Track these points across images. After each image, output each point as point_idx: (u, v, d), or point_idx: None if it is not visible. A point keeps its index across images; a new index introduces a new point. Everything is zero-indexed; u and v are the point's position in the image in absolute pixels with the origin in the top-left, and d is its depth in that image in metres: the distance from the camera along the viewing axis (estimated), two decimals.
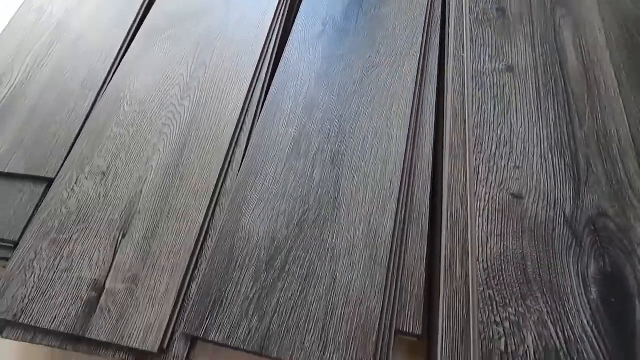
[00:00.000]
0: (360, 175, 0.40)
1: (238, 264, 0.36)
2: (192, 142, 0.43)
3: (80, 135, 0.44)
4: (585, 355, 0.32)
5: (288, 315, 0.33)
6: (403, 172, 0.40)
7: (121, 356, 0.33)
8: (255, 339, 0.32)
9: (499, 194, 0.38)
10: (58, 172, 0.41)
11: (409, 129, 0.43)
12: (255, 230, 0.37)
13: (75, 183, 0.40)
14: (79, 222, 0.38)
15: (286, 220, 0.38)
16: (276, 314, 0.33)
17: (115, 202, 0.39)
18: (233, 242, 0.37)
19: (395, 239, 0.37)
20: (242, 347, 0.32)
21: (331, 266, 0.36)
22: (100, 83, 0.47)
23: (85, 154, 0.42)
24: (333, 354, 0.32)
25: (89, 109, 0.46)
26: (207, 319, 0.33)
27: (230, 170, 0.42)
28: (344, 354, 0.31)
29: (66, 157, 0.42)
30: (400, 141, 0.42)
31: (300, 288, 0.34)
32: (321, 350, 0.32)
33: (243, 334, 0.33)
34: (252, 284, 0.35)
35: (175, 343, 0.34)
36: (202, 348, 0.36)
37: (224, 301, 0.34)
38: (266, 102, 0.45)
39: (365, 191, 0.39)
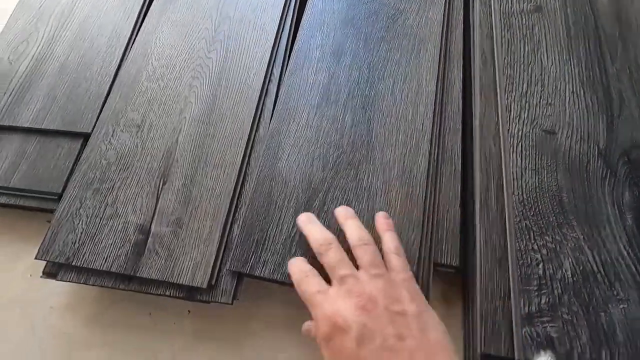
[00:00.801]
0: (392, 119, 0.41)
1: (277, 206, 0.37)
2: (223, 93, 0.43)
3: (112, 90, 0.44)
4: (622, 276, 0.33)
5: None
6: (434, 114, 0.41)
7: (172, 293, 0.35)
8: None
9: (532, 130, 0.39)
10: (94, 127, 0.42)
11: (437, 72, 0.43)
12: (291, 175, 0.38)
13: (112, 136, 0.41)
14: (119, 171, 0.39)
15: (321, 164, 0.39)
16: None
17: (152, 152, 0.40)
18: (271, 186, 0.38)
19: (430, 178, 0.38)
20: (287, 280, 0.33)
21: (369, 204, 0.37)
22: (126, 40, 0.47)
23: (119, 108, 0.43)
24: None
25: (117, 65, 0.46)
26: (251, 257, 0.35)
27: (262, 119, 0.42)
28: None
29: (100, 112, 0.43)
30: (429, 84, 0.42)
31: (339, 226, 0.35)
32: None
33: (287, 269, 0.33)
34: (292, 223, 0.36)
35: (222, 279, 0.35)
36: (247, 284, 0.37)
37: (267, 240, 0.35)
38: (293, 52, 0.45)
39: (398, 133, 0.40)
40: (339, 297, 0.28)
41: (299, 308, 0.39)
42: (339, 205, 0.35)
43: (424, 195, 0.37)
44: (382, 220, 0.34)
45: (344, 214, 0.34)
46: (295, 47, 0.46)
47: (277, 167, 0.39)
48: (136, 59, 0.46)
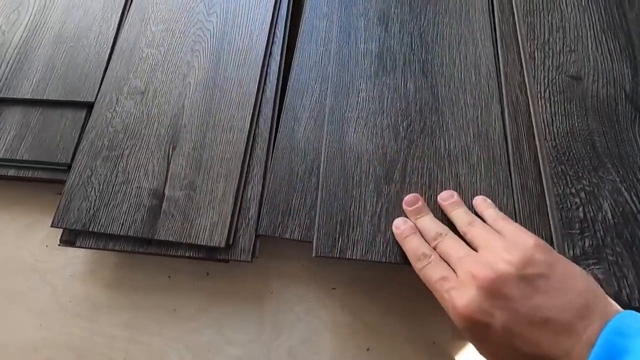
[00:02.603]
0: (456, 82, 0.40)
1: (355, 181, 0.36)
2: (226, 56, 0.43)
3: (112, 58, 0.43)
4: None
5: None
6: (497, 73, 0.41)
7: (191, 253, 0.35)
8: (396, 250, 0.33)
9: (558, 76, 0.39)
10: (97, 96, 0.41)
11: (491, 31, 0.42)
12: (362, 148, 0.37)
13: (117, 104, 0.41)
14: (128, 139, 0.39)
15: (393, 135, 0.38)
16: None
17: (159, 118, 0.40)
18: (342, 162, 0.37)
19: (509, 139, 0.38)
20: (382, 259, 0.33)
21: (451, 171, 0.36)
22: (122, 5, 0.46)
23: (121, 75, 0.42)
24: None
25: (114, 32, 0.45)
26: (339, 239, 0.33)
27: (267, 81, 0.42)
28: None
29: (102, 81, 0.42)
30: (485, 44, 0.42)
31: (426, 196, 0.35)
32: None
33: (381, 247, 0.33)
34: (375, 198, 0.35)
35: (240, 239, 0.36)
36: (263, 242, 0.38)
37: (352, 220, 0.34)
38: (304, 18, 0.44)
39: (465, 96, 0.40)
40: (464, 285, 0.27)
41: (317, 262, 0.40)
42: (420, 176, 0.35)
43: (506, 156, 0.37)
44: (480, 202, 0.34)
45: (448, 203, 0.34)
46: (304, 16, 0.44)
47: (346, 141, 0.37)
48: (134, 24, 0.45)
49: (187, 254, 0.35)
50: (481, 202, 0.34)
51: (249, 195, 0.37)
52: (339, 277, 0.39)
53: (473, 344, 0.28)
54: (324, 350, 0.36)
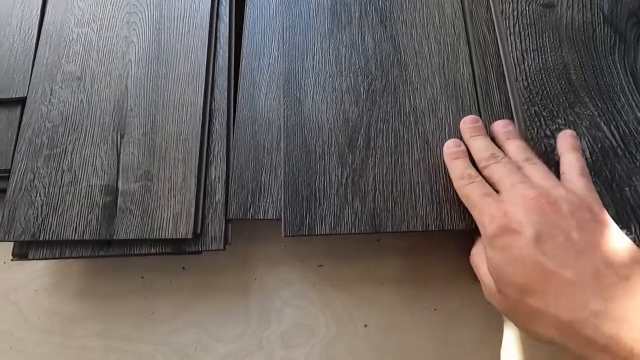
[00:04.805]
0: (418, 27, 0.36)
1: (318, 154, 0.32)
2: (167, 25, 0.37)
3: (39, 44, 0.38)
4: None
5: (390, 188, 0.31)
6: (464, 13, 0.36)
7: (158, 249, 0.32)
8: (365, 220, 0.30)
9: (528, 7, 0.35)
10: (28, 89, 0.37)
11: None
12: (323, 117, 0.33)
13: (51, 95, 0.36)
14: (69, 133, 0.35)
15: (353, 97, 0.34)
16: (377, 191, 0.31)
17: (101, 104, 0.35)
18: (304, 135, 0.33)
19: (478, 85, 0.34)
20: (352, 231, 0.30)
21: (418, 129, 0.33)
22: None
23: (52, 62, 0.37)
24: (450, 210, 0.30)
25: (39, 15, 0.39)
26: (306, 216, 0.31)
27: (218, 47, 0.37)
28: (462, 207, 0.30)
29: (32, 72, 0.37)
30: None
31: (392, 159, 0.32)
32: (437, 211, 0.30)
33: (350, 219, 0.30)
34: (340, 170, 0.32)
35: (209, 226, 0.32)
36: (240, 226, 0.35)
37: (318, 194, 0.31)
38: None
39: (428, 42, 0.35)
40: (511, 201, 0.25)
41: (300, 241, 0.37)
42: (386, 139, 0.32)
43: (476, 103, 0.33)
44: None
45: (503, 133, 0.31)
46: None
47: (304, 112, 0.34)
48: (59, 2, 0.39)
49: (153, 251, 0.32)
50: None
51: (213, 177, 0.33)
52: (326, 254, 0.36)
53: (493, 256, 0.24)
54: (319, 333, 0.33)
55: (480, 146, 0.30)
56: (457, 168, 0.30)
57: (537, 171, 0.27)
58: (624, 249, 0.22)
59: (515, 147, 0.29)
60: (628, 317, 0.20)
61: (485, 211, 0.26)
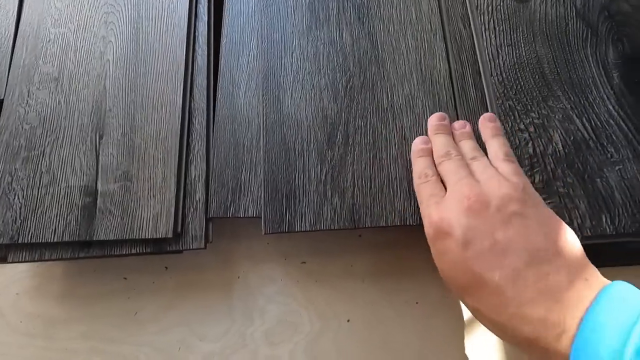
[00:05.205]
0: (395, 24, 0.36)
1: (297, 152, 0.33)
2: (145, 24, 0.37)
3: (16, 45, 0.38)
4: (614, 137, 0.31)
5: (368, 184, 0.31)
6: (440, 9, 0.36)
7: (138, 250, 0.32)
8: (344, 216, 0.31)
9: (502, 2, 0.35)
10: (5, 91, 0.36)
11: None
12: (302, 114, 0.34)
13: (29, 96, 0.36)
14: (47, 134, 0.34)
15: (332, 94, 0.34)
16: (356, 187, 0.31)
17: (79, 105, 0.35)
18: (283, 132, 0.33)
19: (454, 80, 0.35)
20: (332, 227, 0.30)
21: (396, 124, 0.33)
22: None
23: (29, 63, 0.37)
24: None
25: (15, 16, 0.39)
26: (286, 214, 0.31)
27: (197, 45, 0.37)
28: None
29: (9, 73, 0.37)
30: None
31: (371, 155, 0.32)
32: (414, 206, 0.31)
33: (329, 215, 0.31)
34: (320, 167, 0.32)
35: (190, 225, 0.32)
36: (221, 224, 0.35)
37: (298, 191, 0.31)
38: None
39: (406, 39, 0.36)
40: (449, 202, 0.26)
41: (282, 238, 0.37)
42: (364, 135, 0.32)
43: (452, 99, 0.34)
44: (486, 124, 0.31)
45: (459, 132, 0.31)
46: None
47: (283, 110, 0.34)
48: (35, 3, 0.39)
49: (134, 251, 0.32)
50: (487, 126, 0.31)
51: (192, 176, 0.33)
52: (308, 250, 0.36)
53: (435, 258, 0.26)
54: (302, 329, 0.34)
55: (439, 144, 0.31)
56: (418, 166, 0.30)
57: (480, 166, 0.28)
58: (547, 242, 0.23)
59: (468, 146, 0.30)
60: (545, 318, 0.21)
61: (426, 213, 0.27)
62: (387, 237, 0.36)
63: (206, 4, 0.39)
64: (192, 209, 0.33)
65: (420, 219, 0.30)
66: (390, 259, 0.35)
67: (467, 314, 0.34)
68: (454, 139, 0.31)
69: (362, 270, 0.35)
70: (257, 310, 0.34)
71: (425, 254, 0.35)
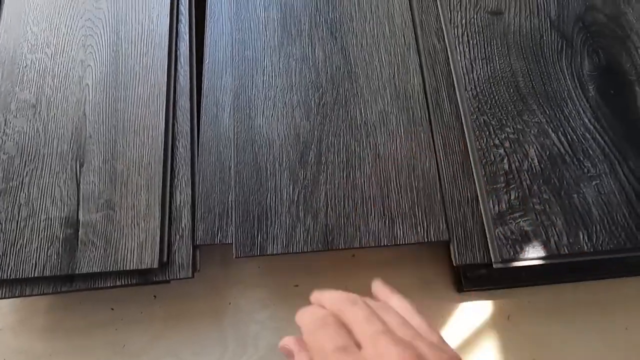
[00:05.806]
0: (368, 38, 0.36)
1: (269, 172, 0.32)
2: (125, 46, 0.36)
3: None
4: (590, 151, 0.31)
5: (342, 204, 0.31)
6: (414, 23, 0.36)
7: (123, 282, 0.31)
8: (317, 237, 0.30)
9: (476, 15, 0.35)
10: None
11: None
12: (274, 133, 0.33)
13: (5, 125, 0.34)
14: (25, 164, 0.33)
15: (304, 112, 0.33)
16: (329, 207, 0.31)
17: (58, 132, 0.34)
18: (254, 151, 0.32)
19: (429, 94, 0.34)
20: (304, 249, 0.30)
21: (369, 141, 0.33)
22: None
23: (5, 90, 0.35)
24: (402, 223, 0.30)
25: None
26: (257, 236, 0.30)
27: (178, 66, 0.36)
28: (413, 220, 0.30)
29: None
30: None
31: (344, 174, 0.32)
32: (389, 226, 0.30)
33: (302, 237, 0.30)
34: (292, 187, 0.31)
35: (177, 253, 0.31)
36: (210, 251, 0.34)
37: (270, 213, 0.31)
38: None
39: (379, 53, 0.35)
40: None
41: (274, 261, 0.36)
42: (337, 154, 0.31)
43: (427, 114, 0.33)
44: (380, 287, 0.25)
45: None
46: None
47: (255, 128, 0.33)
48: (11, 28, 0.38)
49: (119, 283, 0.31)
50: (381, 289, 0.25)
51: (178, 203, 0.32)
52: (301, 272, 0.35)
53: None
54: None
55: (330, 300, 0.21)
56: (307, 311, 0.21)
57: (389, 316, 0.20)
58: None
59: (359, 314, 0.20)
60: None
61: None
62: (380, 257, 0.35)
63: (187, 23, 0.38)
64: (178, 237, 0.32)
65: (395, 238, 0.29)
66: (385, 278, 0.34)
67: (457, 333, 0.33)
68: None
69: (357, 290, 0.34)
70: (250, 338, 0.33)
71: (419, 271, 0.35)
